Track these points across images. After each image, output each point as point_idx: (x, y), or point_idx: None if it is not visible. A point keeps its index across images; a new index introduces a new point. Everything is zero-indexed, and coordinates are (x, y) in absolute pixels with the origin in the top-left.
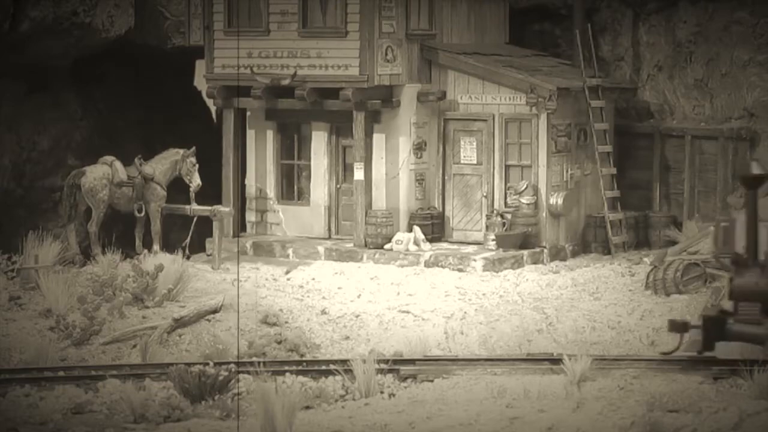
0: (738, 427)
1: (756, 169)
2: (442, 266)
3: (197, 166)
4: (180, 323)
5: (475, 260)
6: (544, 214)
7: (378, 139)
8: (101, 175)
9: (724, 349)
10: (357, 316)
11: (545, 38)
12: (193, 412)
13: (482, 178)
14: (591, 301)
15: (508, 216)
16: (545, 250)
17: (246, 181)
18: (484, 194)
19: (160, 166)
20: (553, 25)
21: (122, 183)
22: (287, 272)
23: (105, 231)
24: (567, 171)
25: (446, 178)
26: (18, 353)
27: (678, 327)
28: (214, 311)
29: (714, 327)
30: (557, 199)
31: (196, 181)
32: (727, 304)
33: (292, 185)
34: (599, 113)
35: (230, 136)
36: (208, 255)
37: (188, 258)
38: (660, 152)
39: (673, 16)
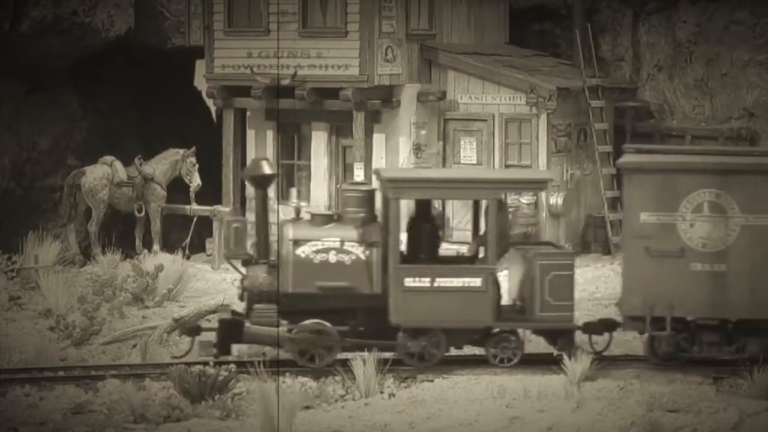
0: (738, 427)
1: (266, 169)
2: None
3: (197, 166)
4: (180, 323)
5: None
6: (544, 214)
7: (378, 139)
8: (101, 175)
9: None
10: None
11: (545, 38)
12: (193, 412)
13: None
14: (591, 301)
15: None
16: None
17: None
18: None
19: (160, 166)
20: (553, 25)
21: (122, 183)
22: None
23: (105, 231)
24: (567, 171)
25: None
26: (18, 353)
27: (189, 331)
28: (214, 311)
29: (230, 330)
30: (557, 199)
31: (196, 181)
32: (241, 306)
33: (292, 185)
34: (599, 113)
35: (230, 136)
36: (208, 255)
37: (188, 258)
38: None
39: (673, 16)
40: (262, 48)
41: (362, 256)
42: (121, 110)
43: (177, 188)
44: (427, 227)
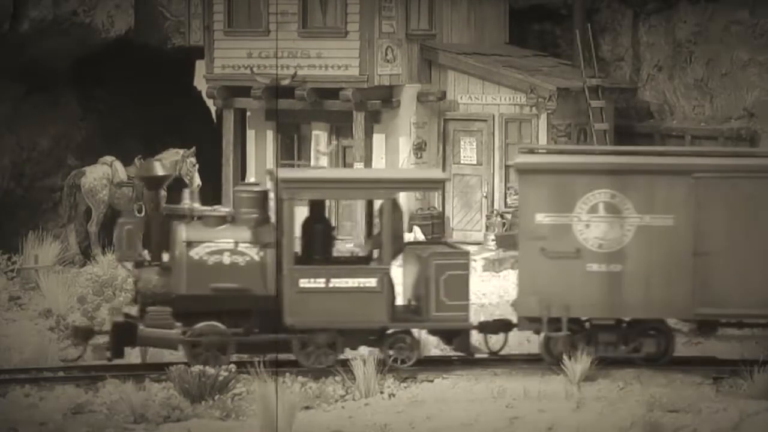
0: (738, 427)
1: (158, 170)
2: None
3: (197, 166)
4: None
5: (475, 260)
6: None
7: (378, 139)
8: (101, 175)
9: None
10: None
11: (545, 38)
12: (193, 412)
13: (482, 179)
14: None
15: (508, 216)
16: None
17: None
18: (484, 194)
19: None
20: (553, 25)
21: (122, 183)
22: None
23: (105, 231)
24: None
25: None
26: (18, 353)
27: (81, 334)
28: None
29: (123, 333)
30: None
31: (196, 182)
32: (134, 309)
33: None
34: (599, 113)
35: (230, 136)
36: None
37: None
38: None
39: (673, 16)
40: (262, 48)
41: (256, 258)
42: (121, 110)
43: (177, 188)
44: (320, 228)
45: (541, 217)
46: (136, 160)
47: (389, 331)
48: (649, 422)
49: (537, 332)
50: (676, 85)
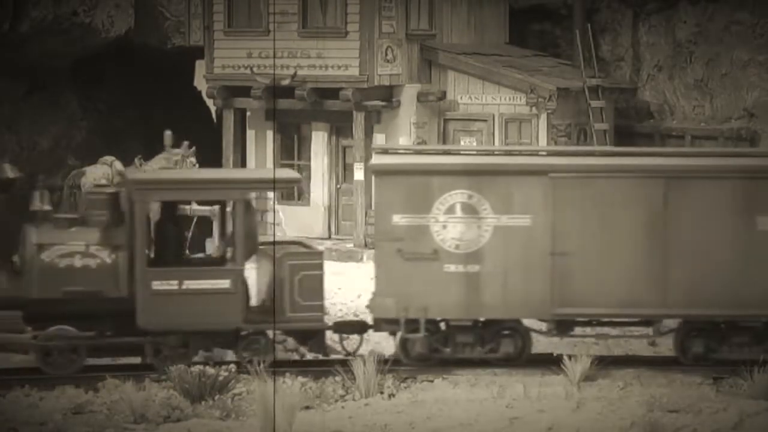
0: (738, 427)
1: (8, 173)
2: None
3: (197, 166)
4: None
5: None
6: None
7: (378, 139)
8: (101, 175)
9: None
10: (357, 316)
11: (545, 38)
12: (193, 412)
13: None
14: None
15: None
16: None
17: None
18: None
19: (160, 166)
20: (553, 25)
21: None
22: None
23: None
24: None
25: None
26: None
27: None
28: None
29: None
30: None
31: None
32: None
33: None
34: (599, 113)
35: (230, 136)
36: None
37: None
38: None
39: (673, 16)
40: (262, 48)
41: (108, 260)
42: (121, 110)
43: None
44: (173, 229)
45: (398, 219)
46: (136, 160)
47: (243, 333)
48: (649, 422)
49: (393, 333)
50: (676, 85)
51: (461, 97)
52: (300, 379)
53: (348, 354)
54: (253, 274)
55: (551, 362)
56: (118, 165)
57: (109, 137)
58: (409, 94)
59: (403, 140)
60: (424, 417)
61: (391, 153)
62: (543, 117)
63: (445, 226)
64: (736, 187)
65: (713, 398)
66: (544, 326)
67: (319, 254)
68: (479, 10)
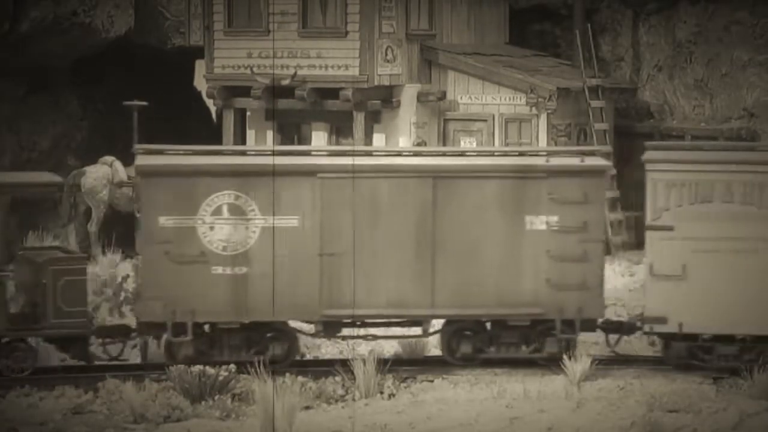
0: (738, 427)
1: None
2: None
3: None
4: None
5: None
6: None
7: (378, 139)
8: (101, 175)
9: None
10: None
11: (545, 38)
12: (193, 412)
13: None
14: None
15: None
16: None
17: None
18: None
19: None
20: (553, 25)
21: (122, 183)
22: None
23: (105, 231)
24: None
25: None
26: None
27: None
28: None
29: None
30: None
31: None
32: None
33: None
34: (599, 113)
35: (230, 136)
36: None
37: None
38: None
39: (673, 16)
40: (262, 48)
41: None
42: (121, 110)
43: None
44: None
45: (165, 221)
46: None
47: (5, 340)
48: (649, 422)
49: (158, 338)
50: (676, 85)
51: (461, 97)
52: (300, 379)
53: (112, 359)
54: (12, 280)
55: (551, 362)
56: (118, 165)
57: (109, 137)
58: (409, 94)
59: (403, 140)
60: (424, 417)
61: (157, 153)
62: (543, 117)
63: (212, 228)
64: (504, 186)
65: (713, 398)
66: (312, 328)
67: (82, 259)
68: (479, 10)
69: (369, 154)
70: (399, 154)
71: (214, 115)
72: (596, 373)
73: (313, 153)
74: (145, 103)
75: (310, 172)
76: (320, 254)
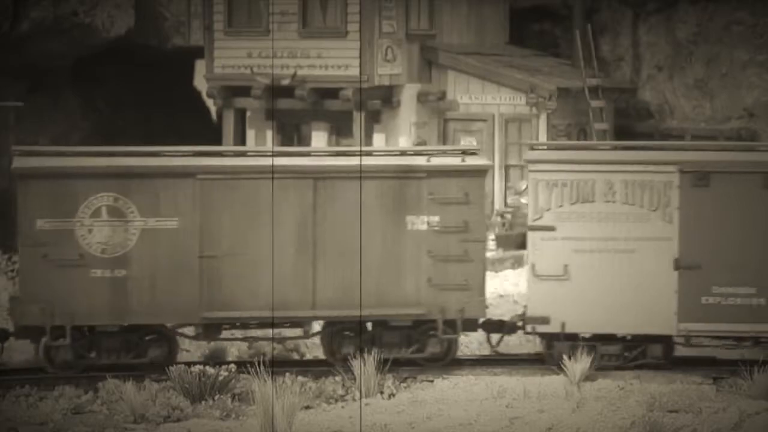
0: (738, 427)
1: None
2: None
3: None
4: None
5: None
6: None
7: (378, 139)
8: None
9: None
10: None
11: (545, 38)
12: (193, 412)
13: None
14: None
15: (508, 216)
16: None
17: None
18: None
19: None
20: (553, 25)
21: None
22: None
23: None
24: None
25: None
26: (18, 353)
27: None
28: None
29: None
30: None
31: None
32: None
33: None
34: (599, 113)
35: (230, 136)
36: None
37: None
38: None
39: (673, 16)
40: (262, 48)
41: None
42: (121, 110)
43: None
44: None
45: (42, 223)
46: None
47: None
48: (649, 422)
49: (35, 342)
50: (676, 85)
51: (461, 97)
52: (300, 379)
53: None
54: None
55: (551, 362)
56: None
57: (109, 137)
58: (409, 94)
59: (403, 140)
60: (424, 417)
61: (35, 155)
62: (543, 117)
63: (90, 230)
64: (385, 186)
65: (713, 398)
66: (192, 330)
67: None
68: (479, 10)
69: (243, 154)
70: (283, 154)
71: (214, 115)
72: (596, 373)
73: (192, 154)
74: (20, 103)
75: (189, 174)
76: (200, 256)
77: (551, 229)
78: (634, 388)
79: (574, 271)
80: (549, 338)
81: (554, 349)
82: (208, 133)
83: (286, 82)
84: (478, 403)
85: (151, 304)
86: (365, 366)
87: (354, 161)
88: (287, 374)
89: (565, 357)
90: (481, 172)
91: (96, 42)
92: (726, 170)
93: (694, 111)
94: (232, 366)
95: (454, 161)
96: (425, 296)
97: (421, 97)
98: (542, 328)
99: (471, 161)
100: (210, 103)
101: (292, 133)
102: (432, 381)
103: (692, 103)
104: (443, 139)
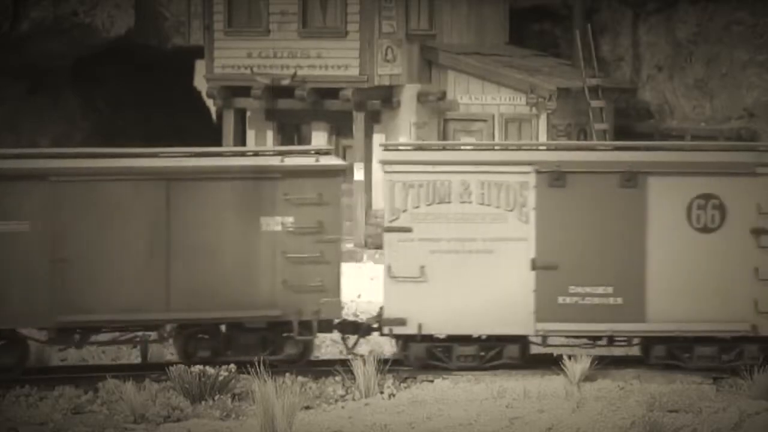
0: (738, 427)
1: None
2: None
3: None
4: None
5: None
6: None
7: (378, 139)
8: None
9: None
10: (357, 316)
11: (545, 38)
12: (193, 412)
13: None
14: None
15: None
16: None
17: None
18: None
19: None
20: (553, 25)
21: None
22: None
23: None
24: None
25: None
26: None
27: None
28: None
29: None
30: None
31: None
32: None
33: None
34: (599, 113)
35: (230, 136)
36: None
37: None
38: None
39: (673, 16)
40: (262, 48)
41: None
42: (121, 110)
43: None
44: None
45: None
46: None
47: None
48: (649, 422)
49: None
50: (676, 85)
51: (461, 97)
52: (300, 379)
53: None
54: None
55: (551, 362)
56: None
57: (109, 137)
58: (409, 94)
59: (403, 140)
60: (424, 417)
61: None
62: (543, 117)
63: None
64: (239, 187)
65: (713, 398)
66: (44, 335)
67: None
68: (479, 10)
69: (99, 156)
70: (133, 156)
71: (214, 115)
72: (596, 373)
73: (44, 156)
74: None
75: (41, 176)
76: (52, 260)
77: (407, 230)
78: (634, 388)
79: (431, 272)
80: (405, 340)
81: (411, 351)
82: (208, 133)
83: (286, 82)
84: (478, 403)
85: (1, 309)
86: (365, 366)
87: (208, 162)
88: (287, 374)
89: (565, 357)
90: (335, 173)
91: (96, 42)
92: (582, 170)
93: (694, 111)
94: (232, 366)
95: (308, 161)
96: (280, 298)
97: (421, 97)
98: (399, 330)
99: (325, 161)
100: (210, 103)
101: (292, 133)
102: (432, 381)
103: (692, 103)
104: (443, 139)
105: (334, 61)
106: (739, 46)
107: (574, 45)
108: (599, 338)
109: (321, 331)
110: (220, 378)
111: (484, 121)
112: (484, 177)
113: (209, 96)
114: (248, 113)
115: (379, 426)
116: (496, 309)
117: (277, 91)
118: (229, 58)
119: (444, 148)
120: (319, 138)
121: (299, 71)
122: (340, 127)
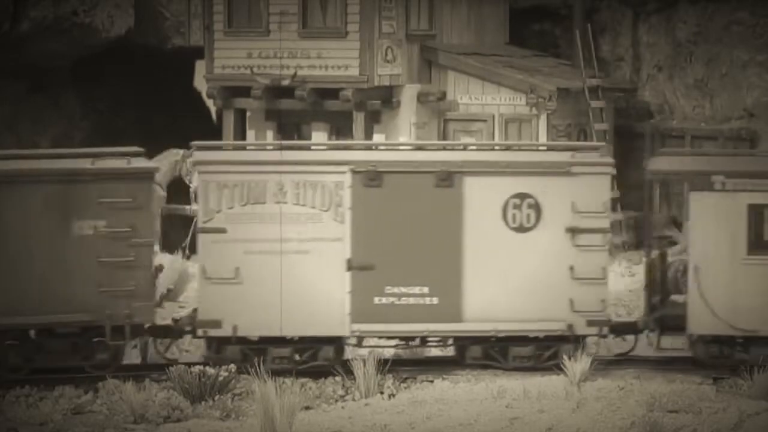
0: (738, 427)
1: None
2: None
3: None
4: (179, 323)
5: None
6: None
7: (378, 139)
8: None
9: None
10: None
11: (545, 38)
12: (193, 412)
13: None
14: None
15: None
16: None
17: None
18: None
19: (160, 166)
20: (553, 25)
21: None
22: None
23: None
24: None
25: None
26: None
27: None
28: None
29: None
30: None
31: (195, 182)
32: None
33: None
34: (599, 113)
35: (230, 136)
36: None
37: (188, 258)
38: None
39: (673, 16)
40: (262, 48)
41: None
42: (121, 110)
43: (177, 188)
44: None
45: None
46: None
47: None
48: (649, 422)
49: None
50: (676, 85)
51: (461, 97)
52: (300, 379)
53: None
54: None
55: (551, 362)
56: None
57: (109, 137)
58: (409, 94)
59: (404, 140)
60: (424, 417)
61: None
62: (543, 117)
63: None
64: (51, 190)
65: (713, 398)
66: None
67: None
68: (479, 10)
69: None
70: None
71: (214, 115)
72: (596, 373)
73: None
74: None
75: None
76: None
77: (222, 231)
78: (634, 388)
79: (246, 273)
80: (220, 342)
81: (225, 353)
82: (209, 134)
83: (286, 82)
84: (478, 403)
85: None
86: (365, 366)
87: (22, 165)
88: (287, 374)
89: (565, 357)
90: (147, 175)
91: (96, 42)
92: (398, 170)
93: (694, 111)
94: (232, 366)
95: (120, 164)
96: (93, 302)
97: (421, 98)
98: (213, 332)
99: (137, 164)
100: (210, 103)
101: (292, 133)
102: (432, 381)
103: (692, 103)
104: (443, 139)
105: (334, 61)
106: (739, 46)
107: (574, 45)
108: (413, 339)
109: (134, 335)
110: (220, 378)
111: (484, 121)
112: (299, 177)
113: (209, 96)
114: (248, 113)
115: (379, 426)
116: (311, 310)
117: (277, 91)
118: (229, 59)
119: (259, 149)
120: (319, 138)
121: (299, 71)
122: (340, 127)
